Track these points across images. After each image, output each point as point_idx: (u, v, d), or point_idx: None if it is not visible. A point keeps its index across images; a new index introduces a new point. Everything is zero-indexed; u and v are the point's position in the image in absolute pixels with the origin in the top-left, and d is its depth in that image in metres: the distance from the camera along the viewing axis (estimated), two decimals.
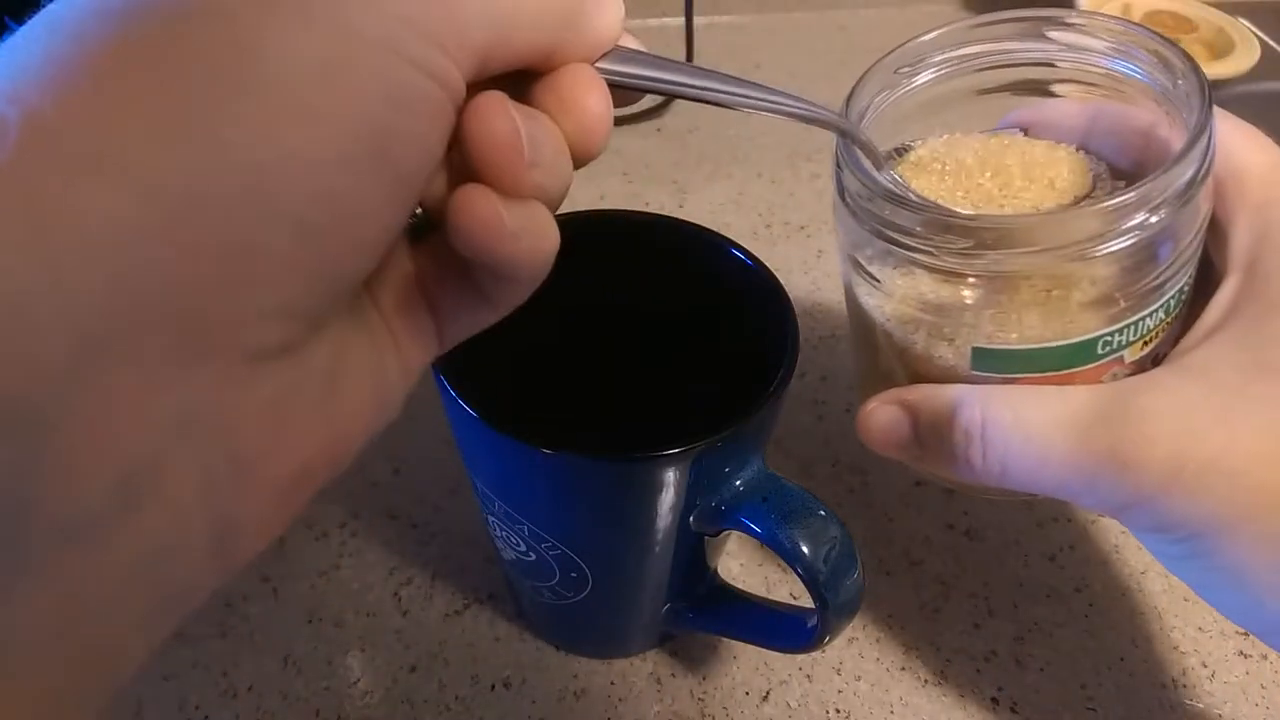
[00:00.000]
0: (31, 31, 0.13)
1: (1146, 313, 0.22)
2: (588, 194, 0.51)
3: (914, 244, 0.22)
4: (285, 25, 0.13)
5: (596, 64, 0.17)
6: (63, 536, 0.12)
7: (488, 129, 0.15)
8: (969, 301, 0.22)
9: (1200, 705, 0.31)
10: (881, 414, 0.24)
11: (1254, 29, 0.58)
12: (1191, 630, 0.33)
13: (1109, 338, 0.22)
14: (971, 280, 0.22)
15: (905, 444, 0.24)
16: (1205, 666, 0.32)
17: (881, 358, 0.25)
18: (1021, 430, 0.21)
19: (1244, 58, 0.55)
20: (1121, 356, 0.22)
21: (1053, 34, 0.25)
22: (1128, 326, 0.22)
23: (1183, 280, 0.22)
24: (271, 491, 0.15)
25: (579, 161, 0.18)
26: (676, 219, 0.29)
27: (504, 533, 0.27)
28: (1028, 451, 0.21)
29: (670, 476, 0.23)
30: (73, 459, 0.12)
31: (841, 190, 0.24)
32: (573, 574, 0.27)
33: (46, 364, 0.12)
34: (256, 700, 0.31)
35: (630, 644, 0.32)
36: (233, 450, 0.14)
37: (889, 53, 0.25)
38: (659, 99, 0.58)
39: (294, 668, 0.32)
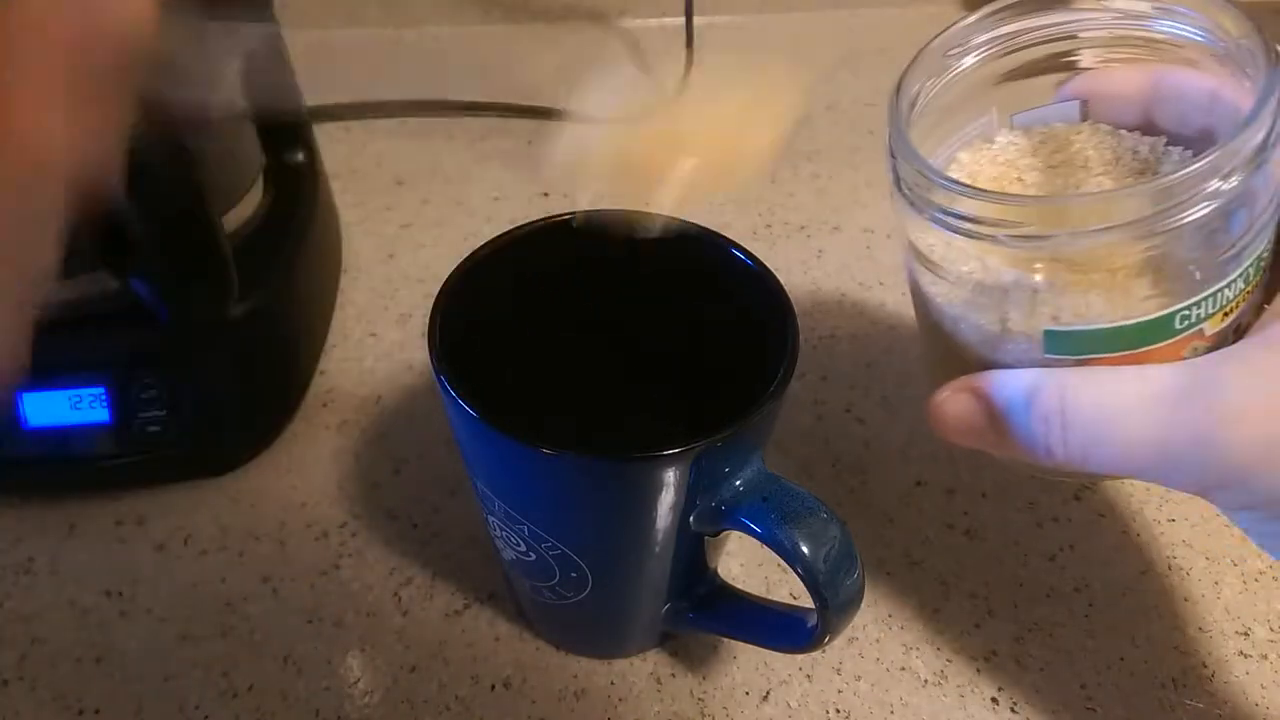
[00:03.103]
0: None
1: (1225, 283, 0.21)
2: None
3: (976, 230, 0.21)
4: None
5: None
6: None
7: None
8: (1038, 284, 0.22)
9: (1200, 705, 0.31)
10: (954, 403, 0.23)
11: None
12: (1191, 630, 0.33)
13: (1186, 312, 0.21)
14: (1039, 262, 0.21)
15: (980, 433, 0.23)
16: (1205, 666, 0.32)
17: (949, 345, 0.25)
18: (1103, 414, 0.21)
19: None
20: (1201, 330, 0.21)
21: (1103, 1, 0.24)
22: (1206, 299, 0.21)
23: (1261, 246, 0.21)
24: None
25: None
26: (677, 219, 0.29)
27: (504, 533, 0.27)
28: (1111, 436, 0.21)
29: (670, 476, 0.23)
30: None
31: (897, 180, 0.23)
32: (573, 574, 0.27)
33: None
34: (256, 700, 0.31)
35: (630, 644, 0.32)
36: None
37: (935, 37, 0.25)
38: None
39: (294, 668, 0.32)
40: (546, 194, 0.51)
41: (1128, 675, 0.32)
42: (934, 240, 0.23)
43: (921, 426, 0.40)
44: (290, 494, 0.37)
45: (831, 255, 0.48)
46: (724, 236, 0.29)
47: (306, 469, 0.38)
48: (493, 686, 0.32)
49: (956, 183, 0.21)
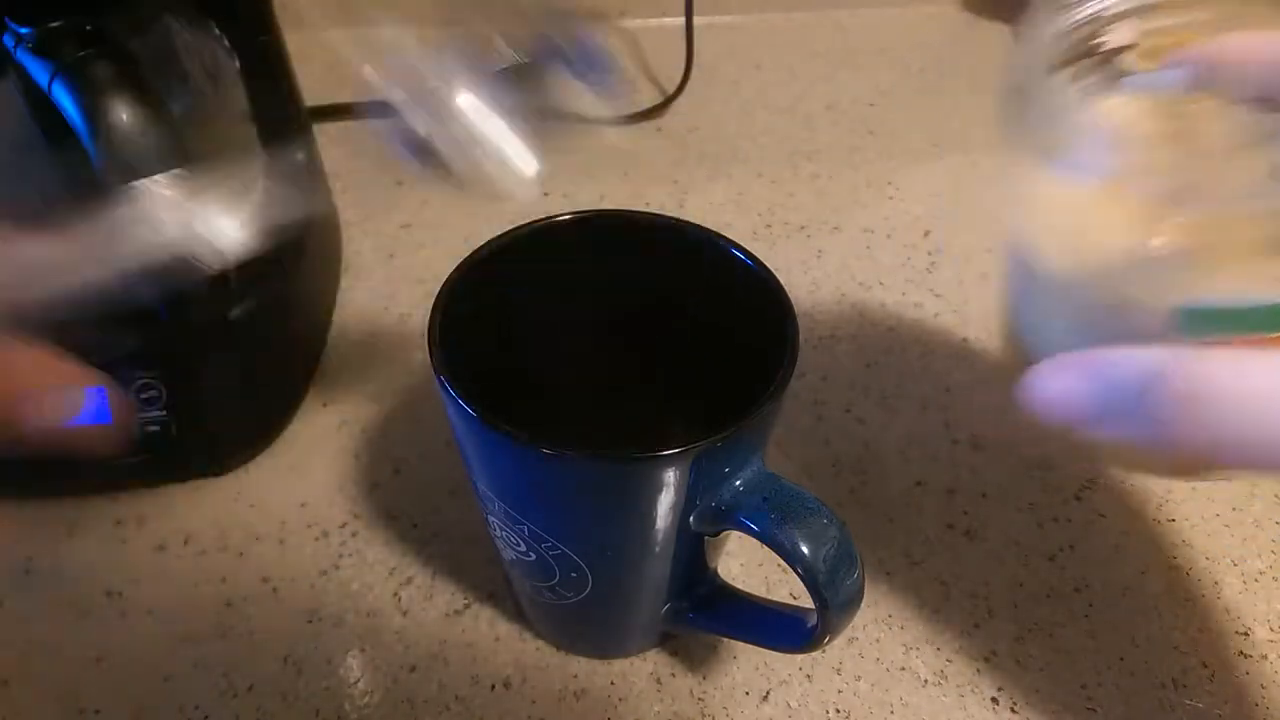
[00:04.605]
0: None
1: None
2: (588, 194, 0.51)
3: (1109, 183, 0.19)
4: None
5: None
6: None
7: None
8: (1175, 252, 0.20)
9: (1200, 705, 0.31)
10: (1060, 380, 0.21)
11: None
12: (1192, 630, 0.33)
13: None
14: (1175, 229, 0.20)
15: (1086, 414, 0.21)
16: (1205, 666, 0.32)
17: (1054, 318, 0.23)
18: (1243, 401, 0.19)
19: None
20: None
21: None
22: None
23: None
24: None
25: None
26: (676, 219, 0.29)
27: (504, 533, 0.27)
28: (1252, 426, 0.19)
29: (670, 476, 0.23)
30: None
31: (1018, 118, 0.21)
32: (573, 574, 0.27)
33: None
34: (256, 700, 0.31)
35: (630, 644, 0.32)
36: None
37: None
38: (663, 98, 0.58)
39: (294, 668, 0.32)
40: (546, 194, 0.51)
41: (1128, 675, 0.32)
42: (1054, 193, 0.21)
43: (922, 426, 0.40)
44: (290, 494, 0.37)
45: (831, 255, 0.48)
46: (724, 236, 0.29)
47: (306, 469, 0.38)
48: (493, 686, 0.32)
49: (1097, 126, 0.20)
